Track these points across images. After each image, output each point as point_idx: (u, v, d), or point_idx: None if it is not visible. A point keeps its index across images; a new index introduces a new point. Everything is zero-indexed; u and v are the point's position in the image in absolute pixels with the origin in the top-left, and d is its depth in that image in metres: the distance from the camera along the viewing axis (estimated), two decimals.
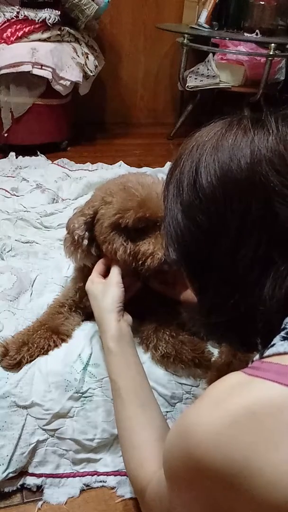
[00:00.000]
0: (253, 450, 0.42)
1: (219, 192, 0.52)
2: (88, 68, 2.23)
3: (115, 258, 0.88)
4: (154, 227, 0.86)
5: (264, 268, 0.50)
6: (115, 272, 0.89)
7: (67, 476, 0.88)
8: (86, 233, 0.91)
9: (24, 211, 1.60)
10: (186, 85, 2.56)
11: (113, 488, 0.87)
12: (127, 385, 0.76)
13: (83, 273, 0.98)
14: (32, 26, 2.07)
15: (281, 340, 0.47)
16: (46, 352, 0.94)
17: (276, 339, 0.48)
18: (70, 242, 0.93)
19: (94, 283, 0.90)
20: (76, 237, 0.91)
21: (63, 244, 0.96)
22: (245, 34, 2.44)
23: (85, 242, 0.91)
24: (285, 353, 0.46)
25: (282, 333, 0.48)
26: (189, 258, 0.57)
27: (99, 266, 0.93)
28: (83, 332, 1.00)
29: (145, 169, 2.00)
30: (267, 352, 0.47)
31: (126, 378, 0.77)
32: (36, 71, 2.07)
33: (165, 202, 0.60)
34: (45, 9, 2.07)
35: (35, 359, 0.93)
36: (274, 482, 0.40)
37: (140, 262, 0.86)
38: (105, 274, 0.91)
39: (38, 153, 2.16)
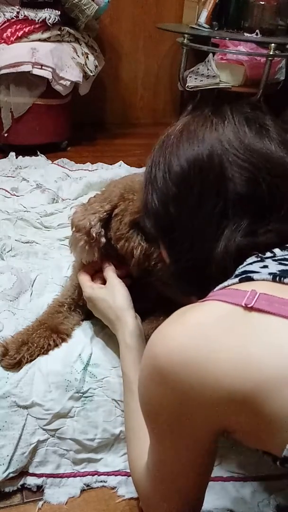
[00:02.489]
0: (201, 354, 0.52)
1: (185, 167, 0.63)
2: (88, 68, 2.23)
3: (128, 256, 0.89)
4: None
5: (220, 223, 0.61)
6: (111, 273, 0.92)
7: (68, 476, 0.88)
8: (103, 230, 0.90)
9: (24, 211, 1.60)
10: (186, 85, 2.55)
11: (113, 488, 0.87)
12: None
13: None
14: (32, 26, 2.07)
15: (229, 280, 0.59)
16: (46, 352, 0.94)
17: (226, 281, 0.59)
18: (85, 241, 0.90)
19: (95, 288, 0.92)
20: (94, 235, 0.89)
21: (70, 243, 0.94)
22: (245, 34, 2.44)
23: (103, 239, 0.90)
24: (227, 286, 0.57)
25: (233, 276, 0.60)
26: (160, 222, 0.68)
27: (84, 275, 0.95)
28: (83, 332, 1.00)
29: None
30: (217, 288, 0.59)
31: (138, 372, 0.79)
32: (36, 71, 2.07)
33: (144, 183, 0.71)
34: (45, 9, 2.07)
35: (35, 358, 0.93)
36: (218, 378, 0.50)
37: (153, 262, 0.87)
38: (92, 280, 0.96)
39: (38, 153, 2.16)
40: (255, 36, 2.40)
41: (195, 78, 2.55)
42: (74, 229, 0.93)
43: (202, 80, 2.53)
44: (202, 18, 2.46)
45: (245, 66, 2.47)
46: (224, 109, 0.65)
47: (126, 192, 0.89)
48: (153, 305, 0.97)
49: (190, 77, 2.57)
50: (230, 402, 0.50)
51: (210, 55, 2.58)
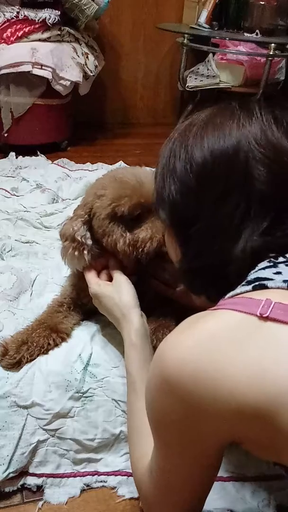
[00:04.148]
0: (213, 366, 0.50)
1: (209, 160, 0.60)
2: (88, 68, 2.23)
3: (116, 251, 0.89)
4: (149, 213, 0.87)
5: (241, 222, 0.59)
6: (117, 271, 0.91)
7: (68, 476, 0.88)
8: (88, 232, 0.92)
9: (24, 211, 1.60)
10: (186, 85, 2.56)
11: (113, 488, 0.87)
12: (143, 379, 0.78)
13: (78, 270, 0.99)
14: (32, 26, 2.07)
15: (241, 287, 0.57)
16: (46, 351, 0.94)
17: (238, 287, 0.58)
18: (73, 247, 0.92)
19: (101, 285, 0.91)
20: (79, 238, 0.91)
21: (61, 254, 0.95)
22: (245, 34, 2.44)
23: (89, 241, 0.91)
24: (240, 293, 0.56)
25: (243, 282, 0.58)
26: (177, 214, 0.65)
27: (91, 271, 0.94)
28: (83, 332, 1.00)
29: None
30: (228, 295, 0.58)
31: (142, 372, 0.79)
32: (36, 71, 2.07)
33: (157, 170, 0.69)
34: (45, 9, 2.07)
35: (35, 358, 0.93)
36: (231, 391, 0.49)
37: (140, 249, 0.87)
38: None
39: (38, 153, 2.16)
40: (255, 36, 2.40)
41: (195, 78, 2.55)
42: (61, 239, 0.95)
43: (202, 80, 2.53)
44: (202, 18, 2.46)
45: (245, 66, 2.47)
46: (252, 105, 0.63)
47: (98, 189, 0.91)
48: (153, 305, 0.97)
49: (190, 77, 2.58)
50: (242, 415, 0.49)
51: (210, 55, 2.58)
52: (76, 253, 0.92)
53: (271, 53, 2.28)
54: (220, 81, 2.52)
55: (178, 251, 0.69)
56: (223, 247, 0.60)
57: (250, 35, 2.41)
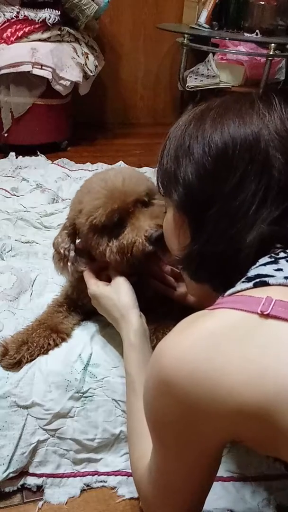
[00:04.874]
0: (212, 366, 0.50)
1: (230, 145, 0.60)
2: (88, 68, 2.23)
3: (106, 260, 0.89)
4: (128, 215, 0.87)
5: (257, 210, 0.59)
6: (115, 272, 0.91)
7: (68, 476, 0.88)
8: (71, 244, 0.93)
9: (24, 211, 1.60)
10: (186, 85, 2.56)
11: (113, 488, 0.87)
12: (142, 379, 0.78)
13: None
14: (32, 26, 2.07)
15: (241, 283, 0.57)
16: (46, 351, 0.94)
17: (237, 284, 0.58)
18: (58, 258, 0.94)
19: (100, 286, 0.91)
20: (62, 251, 0.93)
21: (53, 262, 0.97)
22: (245, 34, 2.44)
23: (72, 253, 0.93)
24: (241, 290, 0.55)
25: (243, 279, 0.58)
26: (192, 196, 0.64)
27: (90, 272, 0.94)
28: (83, 332, 1.00)
29: (145, 169, 1.99)
30: (227, 293, 0.57)
31: (141, 372, 0.79)
32: (36, 71, 2.07)
33: (167, 152, 0.68)
34: (45, 9, 2.07)
35: (35, 358, 0.93)
36: (230, 390, 0.48)
37: (129, 254, 0.86)
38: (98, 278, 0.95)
39: (38, 153, 2.16)
40: (255, 36, 2.40)
41: (195, 78, 2.55)
42: (53, 248, 0.97)
43: (202, 80, 2.53)
44: (202, 18, 2.46)
45: (245, 66, 2.47)
46: (271, 95, 0.64)
47: (77, 204, 0.92)
48: (153, 305, 0.97)
49: (190, 77, 2.58)
50: (241, 414, 0.49)
51: (210, 55, 2.58)
52: (61, 264, 0.94)
53: (271, 53, 2.28)
54: (220, 81, 2.52)
55: (186, 235, 0.68)
56: (237, 233, 0.60)
57: (250, 35, 2.41)
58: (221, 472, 0.88)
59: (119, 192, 0.86)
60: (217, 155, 0.61)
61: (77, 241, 0.95)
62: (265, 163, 0.59)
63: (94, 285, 0.91)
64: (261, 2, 2.42)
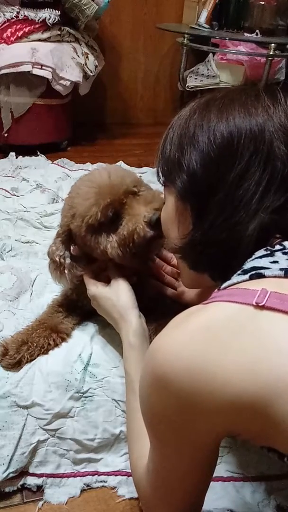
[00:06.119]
0: (208, 358, 0.50)
1: (235, 135, 0.61)
2: (88, 68, 2.23)
3: (110, 258, 0.89)
4: (122, 207, 0.86)
5: (260, 200, 0.60)
6: (115, 272, 0.91)
7: (68, 476, 0.88)
8: (66, 252, 0.92)
9: (24, 211, 1.60)
10: (186, 85, 2.56)
11: (113, 488, 0.87)
12: None
13: None
14: (32, 26, 2.07)
15: (236, 276, 0.57)
16: (46, 351, 0.94)
17: (233, 277, 0.58)
18: (54, 267, 0.93)
19: (99, 286, 0.91)
20: (57, 259, 0.92)
21: (49, 271, 0.96)
22: (245, 34, 2.44)
23: (68, 260, 0.92)
24: (237, 283, 0.56)
25: (239, 272, 0.58)
26: (196, 183, 0.64)
27: (89, 273, 0.94)
28: (83, 332, 1.00)
29: (145, 169, 2.00)
30: (223, 285, 0.58)
31: (140, 372, 0.79)
32: (36, 71, 2.07)
33: (169, 139, 0.69)
34: (45, 9, 2.07)
35: (35, 358, 0.93)
36: (226, 382, 0.48)
37: (131, 244, 0.85)
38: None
39: (38, 153, 2.16)
40: (255, 36, 2.40)
41: (195, 78, 2.56)
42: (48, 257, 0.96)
43: (202, 80, 2.54)
44: (202, 18, 2.46)
45: (245, 66, 2.48)
46: (275, 90, 0.66)
47: (69, 210, 0.91)
48: (153, 305, 0.97)
49: (190, 77, 2.58)
50: (237, 405, 0.49)
51: (210, 55, 2.58)
52: (58, 272, 0.93)
53: (271, 53, 2.28)
54: (220, 81, 2.52)
55: (186, 223, 0.67)
56: (240, 221, 0.60)
57: (250, 35, 2.41)
58: (221, 472, 0.88)
59: (108, 186, 0.85)
60: (222, 144, 0.61)
61: (72, 247, 0.95)
62: (269, 153, 0.60)
63: (94, 286, 0.91)
64: (261, 2, 2.42)
